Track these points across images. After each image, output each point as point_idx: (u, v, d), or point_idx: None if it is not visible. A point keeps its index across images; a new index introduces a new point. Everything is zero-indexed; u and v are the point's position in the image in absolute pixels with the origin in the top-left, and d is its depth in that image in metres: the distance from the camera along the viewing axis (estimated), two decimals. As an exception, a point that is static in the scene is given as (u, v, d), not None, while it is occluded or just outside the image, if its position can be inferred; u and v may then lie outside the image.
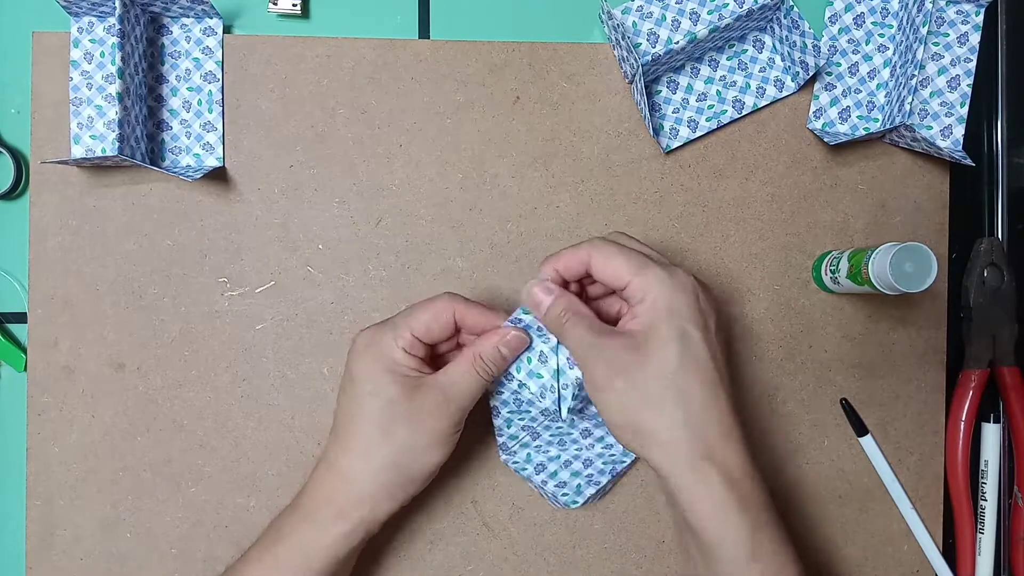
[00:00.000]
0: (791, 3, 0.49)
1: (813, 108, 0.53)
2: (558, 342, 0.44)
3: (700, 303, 0.42)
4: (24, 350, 0.51)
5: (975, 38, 0.52)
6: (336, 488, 0.44)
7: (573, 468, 0.51)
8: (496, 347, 0.43)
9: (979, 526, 0.53)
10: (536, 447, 0.50)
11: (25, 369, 0.51)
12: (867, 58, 0.53)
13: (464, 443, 0.52)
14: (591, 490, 0.50)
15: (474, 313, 0.44)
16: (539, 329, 0.45)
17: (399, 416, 0.43)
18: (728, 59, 0.53)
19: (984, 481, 0.53)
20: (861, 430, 0.53)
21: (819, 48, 0.49)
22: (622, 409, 0.41)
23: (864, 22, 0.53)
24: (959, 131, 0.52)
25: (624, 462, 0.51)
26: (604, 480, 0.51)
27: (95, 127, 0.50)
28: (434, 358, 0.46)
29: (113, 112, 0.47)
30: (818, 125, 0.53)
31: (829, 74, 0.53)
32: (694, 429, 0.40)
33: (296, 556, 0.43)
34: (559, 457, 0.51)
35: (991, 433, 0.53)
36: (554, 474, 0.50)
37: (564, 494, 0.50)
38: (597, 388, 0.42)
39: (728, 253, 0.53)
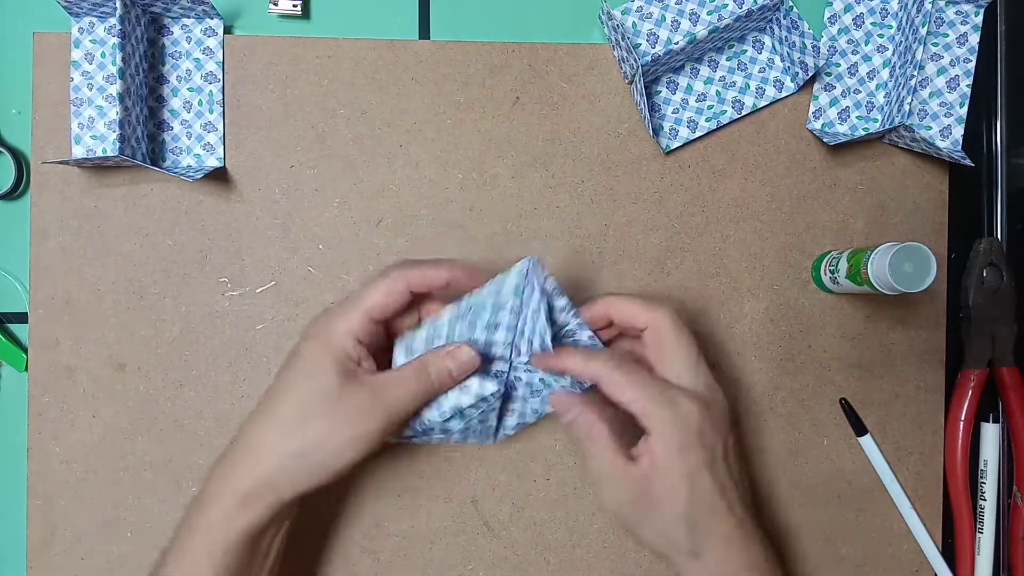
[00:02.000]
0: (790, 4, 0.49)
1: (812, 108, 0.53)
2: (499, 391, 0.45)
3: (708, 434, 0.44)
4: (25, 350, 0.51)
5: (974, 38, 0.52)
6: (241, 462, 0.42)
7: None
8: (446, 365, 0.43)
9: (978, 526, 0.53)
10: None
11: (26, 369, 0.51)
12: (866, 59, 0.53)
13: (463, 445, 0.52)
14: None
15: (425, 274, 0.44)
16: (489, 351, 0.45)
17: (323, 408, 0.42)
18: (728, 60, 0.53)
19: (983, 481, 0.53)
20: (860, 430, 0.53)
21: (818, 49, 0.49)
22: (626, 522, 0.44)
23: (863, 23, 0.53)
24: (958, 131, 0.53)
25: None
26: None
27: (96, 127, 0.50)
28: (390, 337, 0.46)
29: (114, 112, 0.47)
30: (817, 125, 0.53)
31: (828, 74, 0.53)
32: (700, 556, 0.43)
33: (208, 546, 0.41)
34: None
35: (990, 433, 0.54)
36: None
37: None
38: (603, 503, 0.44)
39: (727, 253, 0.53)
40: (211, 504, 0.42)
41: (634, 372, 0.44)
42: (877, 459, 0.53)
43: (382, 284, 0.43)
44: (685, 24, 0.52)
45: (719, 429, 0.45)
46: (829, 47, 0.53)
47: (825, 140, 0.52)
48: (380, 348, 0.45)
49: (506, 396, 0.48)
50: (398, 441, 0.46)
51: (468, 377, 0.44)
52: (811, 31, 0.49)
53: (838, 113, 0.53)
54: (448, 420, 0.45)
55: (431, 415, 0.44)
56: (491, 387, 0.44)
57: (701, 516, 0.43)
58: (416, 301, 0.45)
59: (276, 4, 0.52)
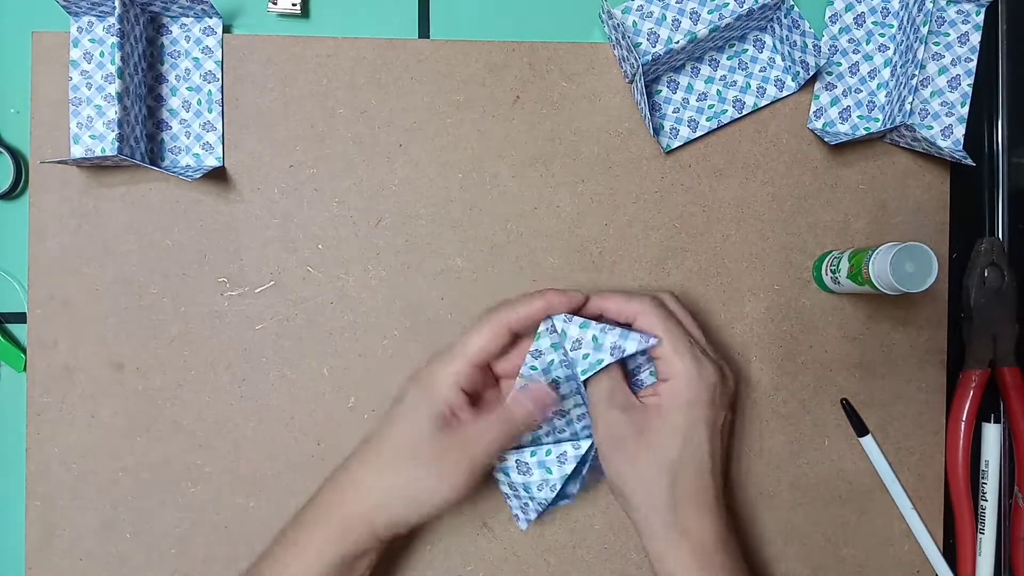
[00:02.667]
0: (791, 3, 0.49)
1: (813, 108, 0.53)
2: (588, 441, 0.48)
3: (716, 401, 0.46)
4: (24, 350, 0.51)
5: (975, 38, 0.52)
6: (346, 496, 0.45)
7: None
8: (527, 407, 0.45)
9: (979, 526, 0.53)
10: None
11: (25, 369, 0.51)
12: (867, 58, 0.53)
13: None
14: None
15: (524, 312, 0.46)
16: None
17: (423, 451, 0.44)
18: (728, 59, 0.53)
19: (984, 481, 0.53)
20: (861, 430, 0.53)
21: (819, 48, 0.49)
22: (617, 474, 0.46)
23: (864, 22, 0.53)
24: (959, 131, 0.52)
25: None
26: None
27: (94, 127, 0.50)
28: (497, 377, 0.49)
29: (112, 112, 0.46)
30: (818, 125, 0.53)
31: (830, 74, 0.53)
32: (676, 509, 0.44)
33: (305, 564, 0.44)
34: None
35: (991, 433, 0.53)
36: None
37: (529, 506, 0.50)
38: (599, 435, 0.46)
39: (728, 253, 0.53)
40: (315, 525, 0.45)
41: (670, 319, 0.46)
42: (878, 459, 0.53)
43: (484, 330, 0.45)
44: (686, 23, 0.52)
45: (724, 403, 0.47)
46: (830, 46, 0.53)
47: (826, 139, 0.52)
48: (488, 388, 0.48)
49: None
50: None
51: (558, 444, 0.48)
52: (812, 30, 0.49)
53: (839, 112, 0.53)
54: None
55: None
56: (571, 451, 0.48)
57: (687, 473, 0.44)
58: (517, 339, 0.47)
59: (275, 3, 0.52)
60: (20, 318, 0.52)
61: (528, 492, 0.48)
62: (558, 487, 0.47)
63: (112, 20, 0.47)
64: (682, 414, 0.45)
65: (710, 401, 0.45)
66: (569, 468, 0.47)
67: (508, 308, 0.46)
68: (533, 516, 0.50)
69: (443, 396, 0.45)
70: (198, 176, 0.49)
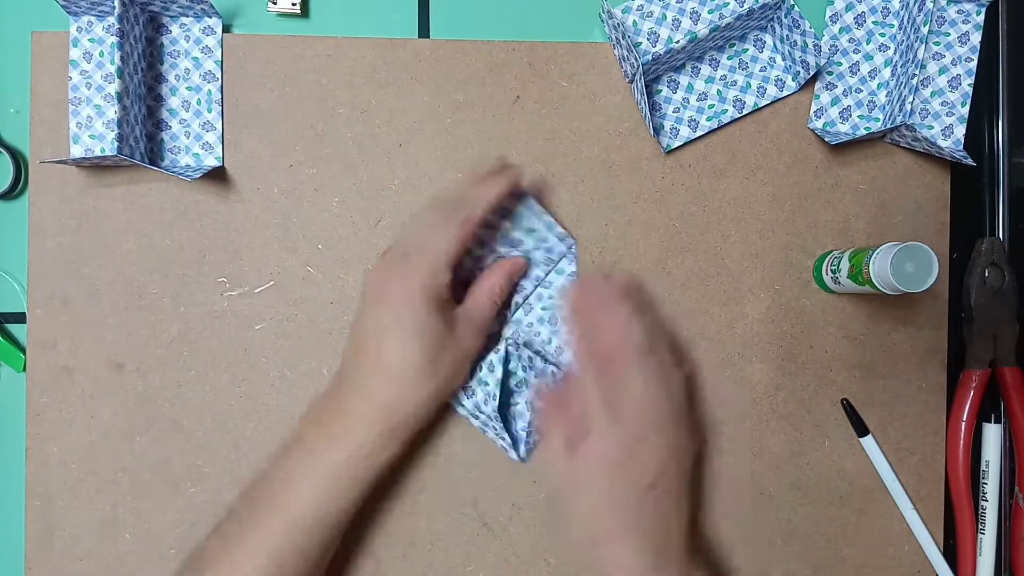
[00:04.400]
0: (792, 2, 0.49)
1: (814, 107, 0.53)
2: (505, 352, 0.49)
3: (637, 460, 0.44)
4: (23, 350, 0.51)
5: (976, 37, 0.52)
6: (372, 415, 0.45)
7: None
8: (508, 275, 0.49)
9: (980, 526, 0.53)
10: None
11: (24, 369, 0.51)
12: (868, 57, 0.53)
13: (464, 443, 0.52)
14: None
15: (486, 207, 0.46)
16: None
17: (445, 349, 0.46)
18: (729, 58, 0.53)
19: (985, 481, 0.53)
20: (862, 430, 0.53)
21: (820, 47, 0.49)
22: (551, 521, 0.50)
23: (865, 21, 0.53)
24: (960, 131, 0.52)
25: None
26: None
27: (94, 127, 0.50)
28: None
29: (112, 111, 0.46)
30: (819, 124, 0.53)
31: (830, 73, 0.53)
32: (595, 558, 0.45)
33: (335, 470, 0.44)
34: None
35: (992, 433, 0.53)
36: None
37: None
38: (547, 493, 0.51)
39: (728, 253, 0.53)
40: (340, 436, 0.45)
41: (598, 371, 0.46)
42: (879, 459, 0.53)
43: (458, 236, 0.45)
44: (686, 23, 0.52)
45: (652, 463, 0.45)
46: (830, 46, 0.53)
47: (826, 139, 0.52)
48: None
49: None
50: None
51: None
52: (812, 30, 0.49)
53: (839, 112, 0.53)
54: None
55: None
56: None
57: (611, 536, 0.44)
58: None
59: (275, 3, 0.51)
60: (20, 318, 0.52)
61: (483, 412, 0.49)
62: (497, 395, 0.48)
63: (112, 20, 0.47)
64: (597, 471, 0.44)
65: (626, 460, 0.44)
66: (498, 372, 0.48)
67: (469, 208, 0.45)
68: (507, 440, 0.50)
69: (440, 293, 0.45)
70: (198, 176, 0.49)
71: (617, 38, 0.50)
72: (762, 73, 0.53)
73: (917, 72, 0.49)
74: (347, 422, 0.45)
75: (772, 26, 0.52)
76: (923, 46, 0.49)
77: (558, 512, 0.47)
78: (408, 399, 0.45)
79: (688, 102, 0.53)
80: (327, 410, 0.46)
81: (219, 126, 0.51)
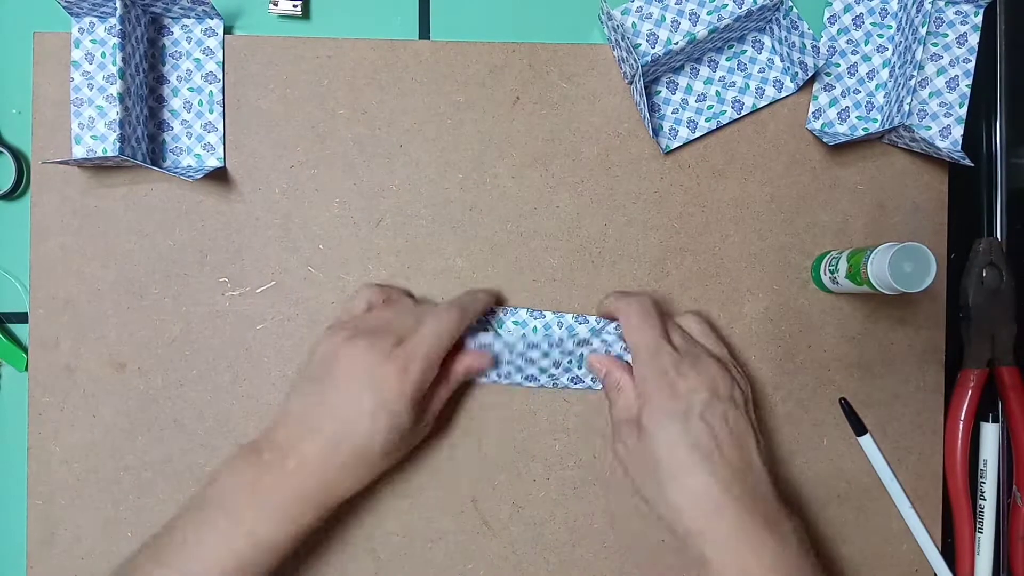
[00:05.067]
0: (790, 4, 0.49)
1: (812, 108, 0.53)
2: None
3: (681, 388, 0.45)
4: (25, 350, 0.51)
5: (974, 39, 0.52)
6: (307, 493, 0.43)
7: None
8: (469, 369, 0.49)
9: (978, 525, 0.53)
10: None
11: (26, 369, 0.51)
12: (866, 59, 0.53)
13: (464, 444, 0.52)
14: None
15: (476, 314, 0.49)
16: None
17: (406, 439, 0.46)
18: (727, 60, 0.53)
19: (983, 481, 0.53)
20: (860, 430, 0.53)
21: (818, 49, 0.49)
22: (631, 480, 0.49)
23: (863, 23, 0.53)
24: (958, 131, 0.53)
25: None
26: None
27: (96, 127, 0.50)
28: None
29: (114, 112, 0.47)
30: (817, 125, 0.53)
31: (828, 75, 0.53)
32: (668, 499, 0.44)
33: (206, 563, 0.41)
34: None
35: (990, 433, 0.54)
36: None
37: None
38: (616, 452, 0.49)
39: (727, 253, 0.53)
40: (226, 515, 0.42)
41: (645, 319, 0.47)
42: (877, 459, 0.53)
43: (458, 330, 0.47)
44: (685, 24, 0.52)
45: (700, 387, 0.45)
46: (829, 47, 0.53)
47: (825, 140, 0.52)
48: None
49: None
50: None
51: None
52: (811, 31, 0.49)
53: (838, 113, 0.53)
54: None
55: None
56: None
57: (676, 474, 0.44)
58: None
59: (276, 4, 0.52)
60: (22, 318, 0.52)
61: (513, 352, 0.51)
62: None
63: (114, 21, 0.48)
64: (660, 435, 0.44)
65: (671, 391, 0.45)
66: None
67: (466, 313, 0.48)
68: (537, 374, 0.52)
69: (415, 398, 0.45)
70: (199, 176, 0.49)
71: (616, 40, 0.51)
72: (760, 74, 0.53)
73: (915, 73, 0.49)
74: (276, 496, 0.42)
75: (771, 27, 0.52)
76: (921, 47, 0.49)
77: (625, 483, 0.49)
78: (352, 484, 0.45)
79: (687, 103, 0.53)
80: (256, 469, 0.43)
81: (220, 127, 0.51)
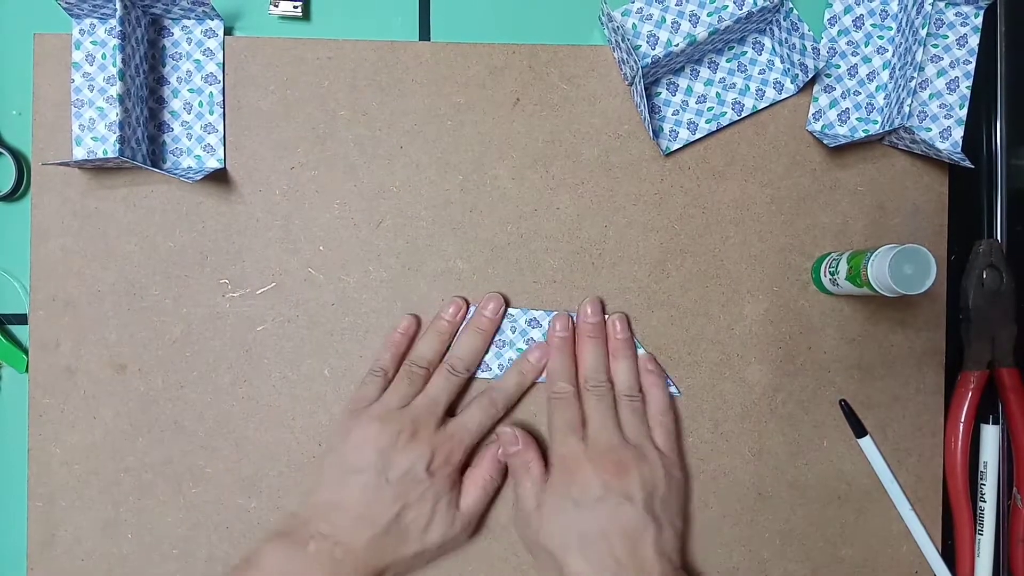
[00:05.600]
0: (790, 5, 0.49)
1: (812, 110, 0.53)
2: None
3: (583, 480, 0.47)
4: (25, 351, 0.51)
5: (974, 40, 0.52)
6: (341, 573, 0.45)
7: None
8: (495, 459, 0.51)
9: (978, 527, 0.53)
10: None
11: (26, 370, 0.51)
12: (866, 60, 0.53)
13: (464, 444, 0.52)
14: None
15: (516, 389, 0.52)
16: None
17: (444, 548, 0.49)
18: (727, 61, 0.53)
19: (983, 482, 0.53)
20: (860, 431, 0.53)
21: (818, 50, 0.49)
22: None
23: (863, 24, 0.53)
24: (958, 133, 0.53)
25: None
26: None
27: (96, 129, 0.50)
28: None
29: (114, 114, 0.47)
30: (817, 127, 0.53)
31: (828, 76, 0.53)
32: None
33: None
34: None
35: (990, 434, 0.54)
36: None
37: None
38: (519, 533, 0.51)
39: (727, 255, 0.53)
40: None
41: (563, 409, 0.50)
42: (877, 460, 0.53)
43: (481, 431, 0.51)
44: (685, 26, 0.52)
45: (596, 479, 0.47)
46: (829, 49, 0.53)
47: (825, 142, 0.52)
48: None
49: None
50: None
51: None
52: (811, 33, 0.49)
53: (838, 115, 0.53)
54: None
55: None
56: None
57: (563, 558, 0.46)
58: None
59: (276, 6, 0.52)
60: (22, 319, 0.52)
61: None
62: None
63: (114, 22, 0.48)
64: (554, 521, 0.47)
65: (577, 501, 0.46)
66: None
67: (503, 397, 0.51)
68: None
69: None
70: (199, 178, 0.49)
71: (617, 41, 0.51)
72: (761, 76, 0.53)
73: (915, 75, 0.49)
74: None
75: (771, 29, 0.52)
76: (921, 49, 0.49)
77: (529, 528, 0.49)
78: (404, 569, 0.48)
79: (687, 105, 0.53)
80: (302, 560, 0.45)
81: (221, 128, 0.51)
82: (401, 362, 0.51)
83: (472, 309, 0.52)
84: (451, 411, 0.51)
